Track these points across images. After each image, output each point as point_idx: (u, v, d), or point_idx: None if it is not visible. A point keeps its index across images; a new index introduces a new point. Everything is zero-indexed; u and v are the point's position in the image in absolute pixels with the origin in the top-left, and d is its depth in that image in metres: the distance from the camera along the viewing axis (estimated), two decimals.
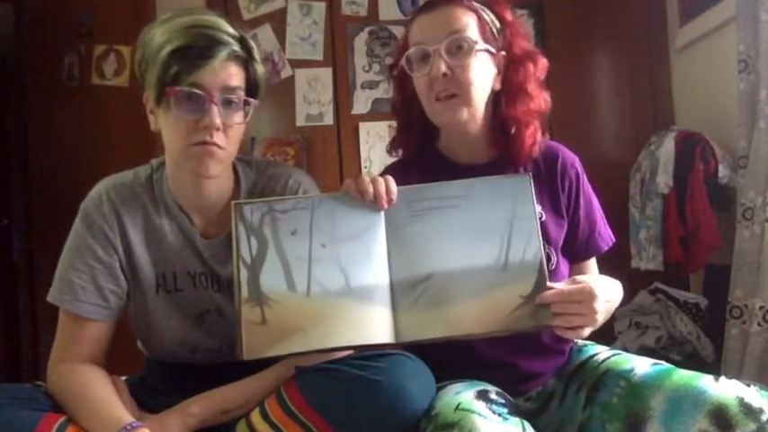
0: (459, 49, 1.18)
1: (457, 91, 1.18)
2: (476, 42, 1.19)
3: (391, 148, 1.37)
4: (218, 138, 1.12)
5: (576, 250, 1.29)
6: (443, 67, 1.17)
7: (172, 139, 1.15)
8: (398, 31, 2.94)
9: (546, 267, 1.09)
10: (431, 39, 1.19)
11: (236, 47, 1.13)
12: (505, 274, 1.08)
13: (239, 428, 1.09)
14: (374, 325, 1.06)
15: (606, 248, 1.31)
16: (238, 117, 1.15)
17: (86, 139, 2.80)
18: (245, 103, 1.16)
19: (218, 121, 1.11)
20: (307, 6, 2.92)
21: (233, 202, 1.13)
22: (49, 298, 1.19)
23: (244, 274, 1.07)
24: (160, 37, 1.12)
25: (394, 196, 1.12)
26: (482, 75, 1.21)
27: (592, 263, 1.34)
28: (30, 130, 2.88)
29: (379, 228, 1.12)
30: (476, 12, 1.22)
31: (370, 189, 1.11)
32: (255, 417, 1.07)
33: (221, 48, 1.11)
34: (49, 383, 1.14)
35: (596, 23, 2.91)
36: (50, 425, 1.01)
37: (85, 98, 2.84)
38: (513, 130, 1.23)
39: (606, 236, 1.32)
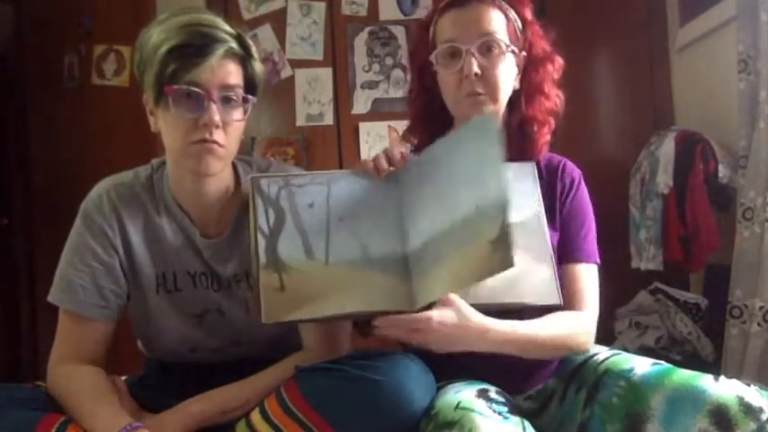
0: (490, 51, 1.21)
1: (485, 91, 1.21)
2: (507, 45, 1.21)
3: (406, 134, 1.39)
4: (218, 135, 1.12)
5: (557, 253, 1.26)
6: (475, 67, 1.19)
7: (171, 138, 1.15)
8: (398, 31, 2.94)
9: (508, 211, 1.02)
10: (462, 37, 1.21)
11: (234, 44, 1.13)
12: (478, 221, 1.05)
13: (239, 428, 1.08)
14: (391, 292, 1.08)
15: (584, 262, 1.25)
16: (238, 114, 1.15)
17: (87, 139, 2.81)
18: (245, 100, 1.16)
19: (217, 118, 1.11)
20: (307, 6, 2.92)
21: (250, 176, 1.15)
22: (50, 298, 1.18)
23: (261, 242, 1.09)
24: (157, 37, 1.12)
25: (405, 158, 1.17)
26: (508, 75, 1.23)
27: (577, 270, 1.24)
28: (30, 131, 2.88)
29: (393, 202, 1.15)
30: (504, 11, 1.24)
31: (385, 165, 1.16)
32: (255, 417, 1.07)
33: (218, 45, 1.11)
34: (48, 384, 1.14)
35: (596, 24, 2.91)
36: (50, 425, 1.01)
37: (85, 98, 2.85)
38: (531, 130, 1.26)
39: (587, 252, 1.25)
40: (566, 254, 1.25)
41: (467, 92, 1.21)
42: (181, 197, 1.22)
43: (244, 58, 1.16)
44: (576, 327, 1.17)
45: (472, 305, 1.07)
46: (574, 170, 1.32)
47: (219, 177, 1.21)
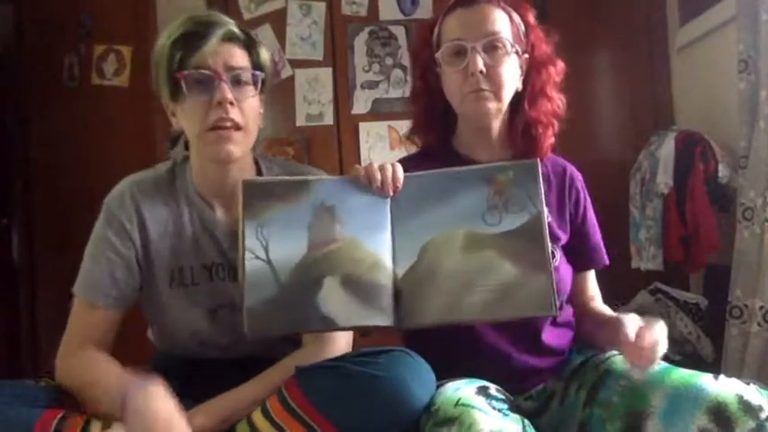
0: (495, 50, 1.22)
1: (490, 88, 1.22)
2: (511, 44, 1.23)
3: (411, 134, 1.40)
4: (234, 113, 1.15)
5: (579, 260, 1.30)
6: (480, 65, 1.21)
7: (191, 126, 1.18)
8: (398, 31, 2.94)
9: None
10: (468, 35, 1.22)
11: (233, 27, 1.18)
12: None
13: (240, 428, 1.09)
14: (377, 309, 1.07)
15: (601, 266, 1.34)
16: (250, 91, 1.19)
17: (86, 139, 2.80)
18: (254, 79, 1.20)
19: (229, 95, 1.15)
20: (307, 6, 2.92)
21: (241, 180, 1.14)
22: (73, 289, 1.22)
23: (249, 255, 1.08)
24: (163, 38, 1.18)
25: (400, 183, 1.14)
26: (512, 75, 1.25)
27: (592, 275, 1.36)
28: (30, 130, 2.88)
29: (383, 215, 1.13)
30: (509, 13, 1.26)
31: (378, 176, 1.14)
32: (257, 416, 1.08)
33: (217, 28, 1.16)
34: (60, 371, 1.16)
35: (596, 23, 2.91)
36: (50, 420, 1.01)
37: (85, 98, 2.84)
38: (535, 132, 1.27)
39: (604, 257, 1.34)
40: (588, 262, 1.33)
41: (471, 89, 1.22)
42: (203, 188, 1.25)
43: (248, 44, 1.20)
44: None
45: (463, 322, 1.09)
46: (579, 176, 1.34)
47: (241, 167, 1.24)
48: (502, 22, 1.24)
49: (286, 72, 2.91)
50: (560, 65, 1.32)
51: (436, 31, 1.29)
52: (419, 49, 1.35)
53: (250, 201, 1.11)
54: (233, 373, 1.15)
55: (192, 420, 1.08)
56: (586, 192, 1.34)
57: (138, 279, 1.24)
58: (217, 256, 1.24)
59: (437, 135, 1.35)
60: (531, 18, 1.30)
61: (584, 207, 1.31)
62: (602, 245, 1.33)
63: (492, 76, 1.22)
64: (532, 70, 1.29)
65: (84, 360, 1.16)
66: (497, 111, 1.25)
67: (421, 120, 1.36)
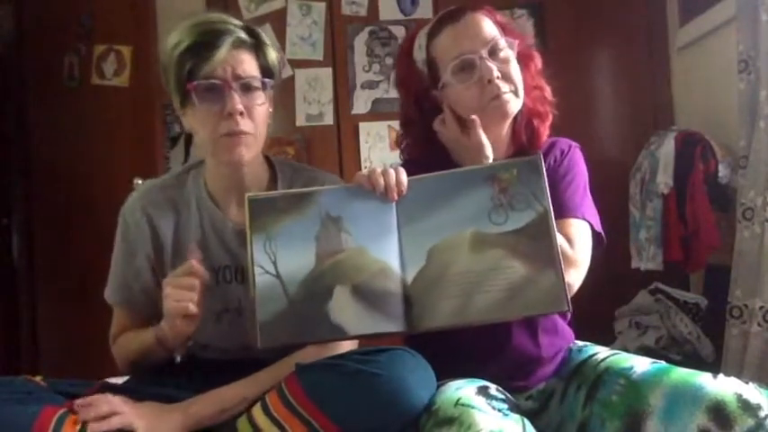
0: (498, 53, 1.24)
1: (510, 88, 1.23)
2: (510, 44, 1.25)
3: (404, 157, 1.39)
4: (245, 124, 1.17)
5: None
6: (495, 70, 1.21)
7: (202, 133, 1.21)
8: (398, 31, 2.94)
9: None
10: (470, 47, 1.23)
11: (242, 34, 1.19)
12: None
13: (240, 423, 1.09)
14: (389, 314, 1.07)
15: (567, 217, 1.22)
16: (259, 98, 1.21)
17: (86, 138, 2.80)
18: (264, 85, 1.21)
19: (239, 106, 1.16)
20: (307, 6, 2.93)
21: (247, 195, 1.13)
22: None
23: (259, 270, 1.09)
24: (171, 41, 1.19)
25: (404, 187, 1.13)
26: (519, 71, 1.26)
27: (561, 224, 1.18)
28: (30, 131, 2.88)
29: (389, 220, 1.12)
30: (491, 17, 1.27)
31: (381, 181, 1.13)
32: (257, 411, 1.08)
33: (226, 37, 1.17)
34: (114, 353, 1.32)
35: (596, 23, 2.91)
36: (49, 416, 1.02)
37: (85, 98, 2.84)
38: (537, 121, 1.29)
39: (569, 207, 1.23)
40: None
41: (493, 94, 1.22)
42: (217, 190, 1.28)
43: (255, 47, 1.22)
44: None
45: (475, 323, 1.06)
46: (564, 143, 1.34)
47: (255, 168, 1.27)
48: (492, 27, 1.25)
49: (286, 72, 2.91)
50: (538, 55, 1.34)
51: (422, 56, 1.29)
52: (404, 78, 1.35)
53: (257, 216, 1.11)
54: (234, 372, 1.15)
55: (189, 408, 1.11)
56: (573, 155, 1.31)
57: (153, 284, 1.27)
58: (225, 258, 1.26)
59: (435, 150, 1.32)
60: (500, 17, 1.31)
61: (559, 165, 1.28)
62: (565, 196, 1.24)
63: (508, 77, 1.23)
64: (521, 65, 1.29)
65: (122, 341, 1.30)
66: (517, 109, 1.26)
67: (418, 144, 1.35)
